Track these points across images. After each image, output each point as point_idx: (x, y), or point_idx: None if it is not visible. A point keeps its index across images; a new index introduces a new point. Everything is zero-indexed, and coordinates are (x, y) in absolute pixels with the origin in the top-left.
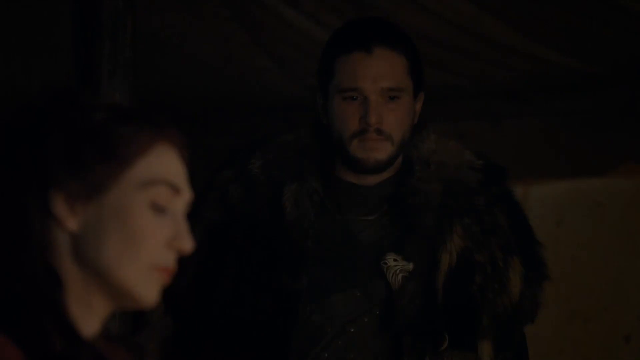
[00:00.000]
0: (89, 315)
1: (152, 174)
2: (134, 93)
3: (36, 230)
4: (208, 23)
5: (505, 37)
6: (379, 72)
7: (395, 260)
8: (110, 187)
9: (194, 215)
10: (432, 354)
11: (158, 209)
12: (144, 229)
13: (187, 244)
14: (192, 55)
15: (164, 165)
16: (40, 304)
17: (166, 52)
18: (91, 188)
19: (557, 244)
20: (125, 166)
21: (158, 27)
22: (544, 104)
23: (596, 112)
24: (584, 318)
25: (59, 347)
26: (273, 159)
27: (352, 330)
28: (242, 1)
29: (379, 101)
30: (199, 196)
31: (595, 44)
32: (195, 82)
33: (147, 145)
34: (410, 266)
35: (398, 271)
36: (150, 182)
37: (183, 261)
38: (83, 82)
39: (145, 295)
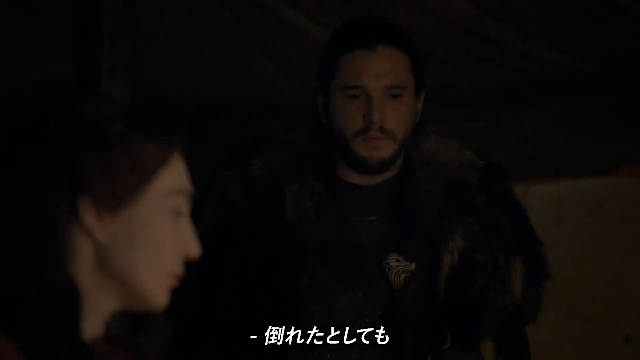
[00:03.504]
0: (93, 317)
1: (174, 183)
2: (134, 93)
3: (61, 239)
4: (208, 23)
5: (505, 37)
6: (382, 69)
7: (397, 260)
8: (138, 197)
9: (194, 216)
10: (434, 354)
11: (177, 216)
12: (167, 238)
13: (196, 250)
14: (192, 55)
15: (180, 173)
16: (53, 314)
17: (166, 52)
18: (120, 198)
19: (557, 244)
20: (152, 176)
21: (158, 27)
22: (544, 104)
23: (596, 112)
24: (584, 318)
25: (59, 350)
26: (274, 160)
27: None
28: (242, 1)
29: (382, 99)
30: (200, 197)
31: (596, 44)
32: (195, 82)
33: (168, 154)
34: (413, 266)
35: (400, 271)
36: (174, 191)
37: (185, 262)
38: (83, 82)
39: (159, 301)
